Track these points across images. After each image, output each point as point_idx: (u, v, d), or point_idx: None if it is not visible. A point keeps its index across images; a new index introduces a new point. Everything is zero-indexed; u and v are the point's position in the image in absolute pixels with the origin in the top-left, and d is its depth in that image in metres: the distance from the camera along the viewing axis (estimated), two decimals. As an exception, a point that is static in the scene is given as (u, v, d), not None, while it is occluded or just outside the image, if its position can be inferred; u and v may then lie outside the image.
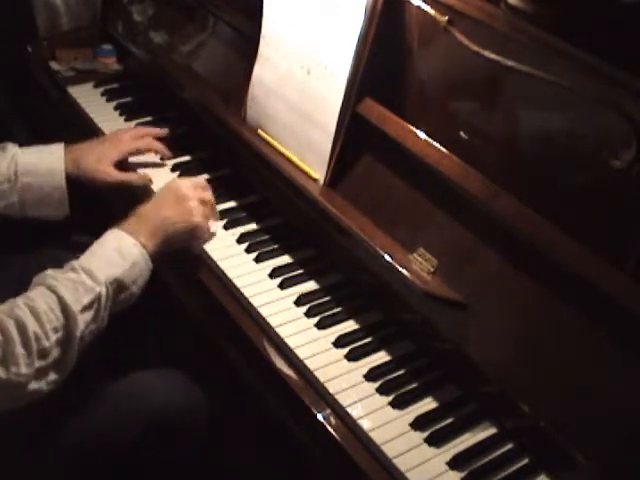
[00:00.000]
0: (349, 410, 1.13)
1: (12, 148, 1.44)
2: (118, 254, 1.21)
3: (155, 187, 1.54)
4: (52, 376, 1.10)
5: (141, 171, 1.58)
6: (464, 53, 1.18)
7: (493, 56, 1.14)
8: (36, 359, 1.06)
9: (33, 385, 1.07)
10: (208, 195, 1.41)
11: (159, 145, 1.60)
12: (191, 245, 1.38)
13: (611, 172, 1.03)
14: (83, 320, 1.12)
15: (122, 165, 1.54)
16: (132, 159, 1.58)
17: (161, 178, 1.57)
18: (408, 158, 1.26)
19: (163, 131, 1.64)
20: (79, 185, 1.47)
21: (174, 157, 1.65)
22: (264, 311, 1.28)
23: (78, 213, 1.44)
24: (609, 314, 1.01)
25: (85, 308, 1.13)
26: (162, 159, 1.63)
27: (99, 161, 1.47)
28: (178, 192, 1.36)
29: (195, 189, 1.38)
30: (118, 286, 1.19)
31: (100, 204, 1.56)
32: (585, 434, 1.01)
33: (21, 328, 1.06)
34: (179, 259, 1.40)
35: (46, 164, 1.43)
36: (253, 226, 1.48)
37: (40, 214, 1.45)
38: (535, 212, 1.10)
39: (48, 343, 1.08)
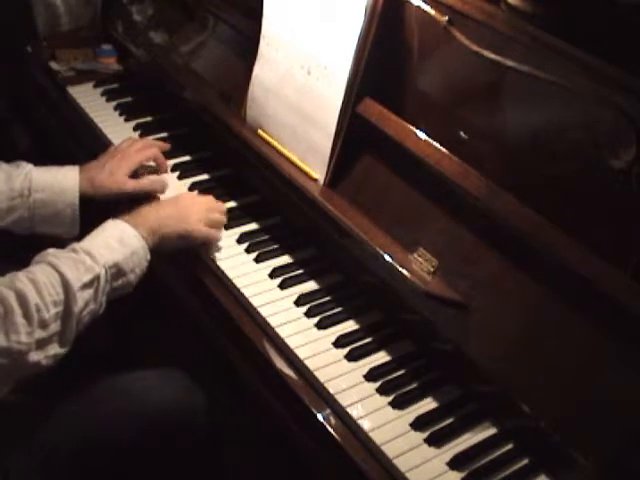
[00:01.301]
0: (349, 410, 1.13)
1: (26, 165, 1.46)
2: (118, 241, 1.24)
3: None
4: (51, 350, 1.12)
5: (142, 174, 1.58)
6: (464, 53, 1.18)
7: (493, 56, 1.14)
8: (36, 329, 1.09)
9: (33, 356, 1.09)
10: (220, 206, 1.44)
11: (162, 157, 1.60)
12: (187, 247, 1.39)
13: (611, 172, 1.03)
14: (82, 298, 1.15)
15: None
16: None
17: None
18: (408, 158, 1.26)
19: (165, 146, 1.64)
20: (91, 207, 1.48)
21: (174, 157, 1.65)
22: (264, 311, 1.28)
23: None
24: (609, 314, 1.01)
25: (85, 286, 1.15)
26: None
27: (112, 177, 1.48)
28: (180, 200, 1.40)
29: (200, 201, 1.42)
30: (117, 271, 1.22)
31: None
32: (585, 434, 1.01)
33: (22, 299, 1.08)
34: (181, 259, 1.40)
35: (60, 182, 1.44)
36: (253, 226, 1.48)
37: (49, 231, 1.46)
38: (535, 212, 1.10)
39: (48, 315, 1.10)
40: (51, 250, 1.18)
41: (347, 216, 1.29)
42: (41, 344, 1.10)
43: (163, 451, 1.31)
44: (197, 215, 1.37)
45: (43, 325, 1.10)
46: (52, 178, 1.44)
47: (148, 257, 1.28)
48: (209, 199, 1.46)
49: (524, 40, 1.11)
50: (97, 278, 1.17)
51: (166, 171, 1.61)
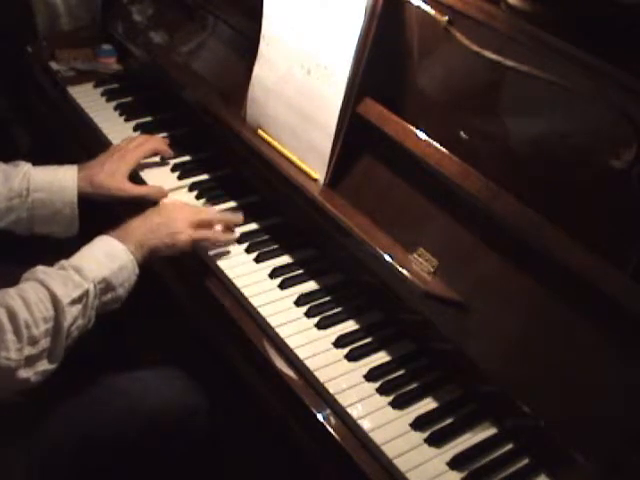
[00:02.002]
0: (349, 410, 1.13)
1: (24, 165, 1.46)
2: (107, 257, 1.24)
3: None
4: (41, 366, 1.12)
5: (144, 175, 1.58)
6: (464, 53, 1.18)
7: (493, 56, 1.14)
8: (26, 345, 1.09)
9: (22, 373, 1.10)
10: (209, 214, 1.43)
11: (163, 147, 1.62)
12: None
13: (611, 172, 1.03)
14: (71, 313, 1.15)
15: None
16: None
17: (162, 179, 1.58)
18: (408, 158, 1.26)
19: (164, 140, 1.65)
20: (89, 206, 1.48)
21: (174, 157, 1.65)
22: (264, 311, 1.28)
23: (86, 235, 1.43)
24: (609, 314, 1.01)
25: (74, 302, 1.16)
26: (163, 159, 1.63)
27: (112, 177, 1.48)
28: (164, 209, 1.39)
29: (185, 207, 1.41)
30: (106, 286, 1.22)
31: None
32: (585, 434, 1.01)
33: (12, 315, 1.09)
34: (180, 259, 1.40)
35: (59, 181, 1.44)
36: (253, 226, 1.48)
37: (48, 231, 1.46)
38: (535, 212, 1.10)
39: (37, 331, 1.10)
40: (40, 267, 1.19)
41: (347, 216, 1.29)
42: (30, 361, 1.10)
43: (163, 451, 1.31)
44: (183, 221, 1.36)
45: (33, 342, 1.10)
46: (51, 177, 1.44)
47: (137, 271, 1.28)
48: (194, 207, 1.46)
49: (524, 40, 1.11)
50: (86, 294, 1.18)
51: (170, 155, 1.62)
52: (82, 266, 1.20)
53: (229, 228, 1.44)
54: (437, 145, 1.23)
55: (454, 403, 1.17)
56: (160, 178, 1.59)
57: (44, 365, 1.13)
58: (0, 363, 1.07)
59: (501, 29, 1.14)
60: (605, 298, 1.01)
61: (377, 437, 1.10)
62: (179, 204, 1.43)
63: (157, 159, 1.63)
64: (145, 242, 1.30)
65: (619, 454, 0.99)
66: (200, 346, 1.50)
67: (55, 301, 1.13)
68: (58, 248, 1.42)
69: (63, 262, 1.21)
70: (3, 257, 1.42)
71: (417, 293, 1.17)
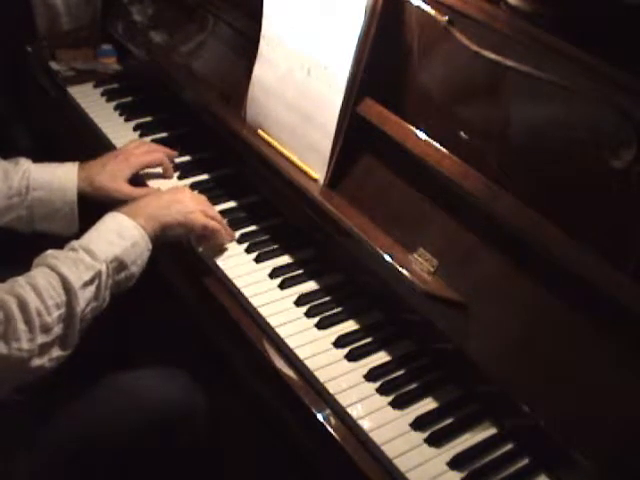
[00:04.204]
0: (349, 410, 1.13)
1: (25, 163, 1.45)
2: (117, 234, 1.23)
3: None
4: (55, 352, 1.11)
5: (144, 175, 1.58)
6: (464, 53, 1.18)
7: (493, 56, 1.15)
8: (39, 334, 1.08)
9: (36, 361, 1.09)
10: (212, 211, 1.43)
11: (168, 163, 1.60)
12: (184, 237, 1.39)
13: (611, 172, 1.03)
14: (84, 297, 1.14)
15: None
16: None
17: (162, 179, 1.58)
18: (408, 158, 1.26)
19: (172, 152, 1.63)
20: (90, 204, 1.48)
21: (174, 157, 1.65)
22: (264, 311, 1.28)
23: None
24: (609, 314, 1.01)
25: (86, 285, 1.14)
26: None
27: (112, 179, 1.48)
28: (178, 190, 1.41)
29: (196, 195, 1.43)
30: (118, 265, 1.21)
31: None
32: (585, 434, 1.01)
33: (22, 305, 1.07)
34: (181, 259, 1.41)
35: (59, 180, 1.44)
36: (253, 226, 1.48)
37: (48, 229, 1.46)
38: (535, 212, 1.10)
39: (50, 319, 1.09)
40: (50, 251, 1.17)
41: (347, 216, 1.29)
42: (44, 348, 1.09)
43: (163, 451, 1.31)
44: (195, 203, 1.37)
45: (45, 329, 1.09)
46: (50, 176, 1.44)
47: (149, 246, 1.27)
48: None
49: (524, 40, 1.11)
50: (98, 275, 1.17)
51: (171, 176, 1.60)
52: (92, 246, 1.19)
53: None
54: (437, 145, 1.23)
55: (454, 403, 1.17)
56: (160, 178, 1.59)
57: (57, 351, 1.12)
58: (12, 354, 1.06)
59: (501, 29, 1.14)
60: (605, 298, 1.01)
61: (377, 437, 1.10)
62: (190, 190, 1.44)
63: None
64: (157, 217, 1.29)
65: (619, 454, 0.99)
66: (200, 346, 1.50)
67: (66, 285, 1.12)
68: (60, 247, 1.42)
69: (73, 243, 1.20)
70: (4, 258, 1.42)
71: (417, 293, 1.17)
